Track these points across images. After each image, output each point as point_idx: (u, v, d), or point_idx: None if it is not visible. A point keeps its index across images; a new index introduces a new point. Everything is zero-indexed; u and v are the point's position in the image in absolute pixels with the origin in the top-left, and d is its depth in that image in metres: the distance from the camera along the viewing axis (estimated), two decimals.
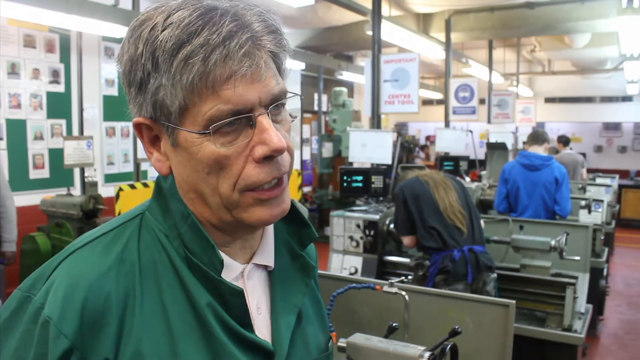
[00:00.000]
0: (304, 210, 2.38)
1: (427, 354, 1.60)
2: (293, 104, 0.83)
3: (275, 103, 0.76)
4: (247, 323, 0.80)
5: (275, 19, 0.77)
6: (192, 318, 0.76)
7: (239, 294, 0.78)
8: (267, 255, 0.87)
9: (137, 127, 0.79)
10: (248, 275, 0.84)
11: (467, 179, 6.45)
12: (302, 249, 0.92)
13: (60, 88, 6.20)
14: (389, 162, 5.02)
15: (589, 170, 11.32)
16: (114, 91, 6.82)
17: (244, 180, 0.75)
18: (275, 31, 0.76)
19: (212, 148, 0.73)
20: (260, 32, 0.74)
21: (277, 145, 0.74)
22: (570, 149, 8.76)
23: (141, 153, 5.09)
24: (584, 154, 14.66)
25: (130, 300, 0.74)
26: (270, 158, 0.75)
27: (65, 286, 0.73)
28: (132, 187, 4.56)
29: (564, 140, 8.73)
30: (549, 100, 15.28)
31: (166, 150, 0.79)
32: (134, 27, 0.75)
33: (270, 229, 0.89)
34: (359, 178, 4.61)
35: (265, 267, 0.88)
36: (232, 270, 0.82)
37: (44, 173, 6.10)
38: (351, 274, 3.90)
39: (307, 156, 11.45)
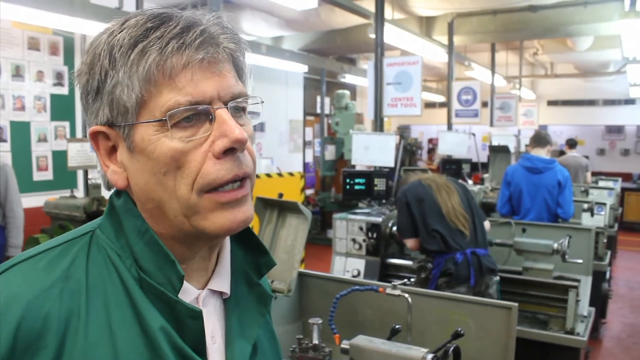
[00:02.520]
0: (307, 213, 2.40)
1: (430, 356, 1.60)
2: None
3: (234, 100, 0.74)
4: (201, 350, 0.75)
5: (231, 22, 0.77)
6: (141, 344, 0.70)
7: (198, 316, 0.73)
8: (223, 281, 0.82)
9: (94, 137, 0.76)
10: (203, 302, 0.79)
11: (470, 181, 6.45)
12: (259, 278, 0.86)
13: (64, 90, 6.22)
14: (392, 164, 5.03)
15: (592, 174, 11.32)
16: None
17: (202, 178, 0.71)
18: (231, 31, 0.76)
19: (168, 144, 0.70)
20: (216, 32, 0.73)
21: (238, 136, 0.70)
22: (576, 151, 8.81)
23: None
24: (586, 157, 14.69)
25: (73, 321, 0.68)
26: (231, 152, 0.72)
27: None
28: None
29: (571, 143, 8.77)
30: (551, 103, 15.27)
31: (123, 159, 0.75)
32: (93, 40, 0.75)
33: (226, 253, 0.83)
34: (362, 181, 4.62)
35: (220, 294, 0.82)
36: (187, 295, 0.76)
37: (48, 175, 6.12)
38: (354, 276, 3.90)
39: (309, 159, 11.46)
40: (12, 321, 0.65)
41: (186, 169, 0.71)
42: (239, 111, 0.75)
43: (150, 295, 0.72)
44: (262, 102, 0.80)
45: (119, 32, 0.71)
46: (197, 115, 0.71)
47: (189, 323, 0.73)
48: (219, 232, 0.73)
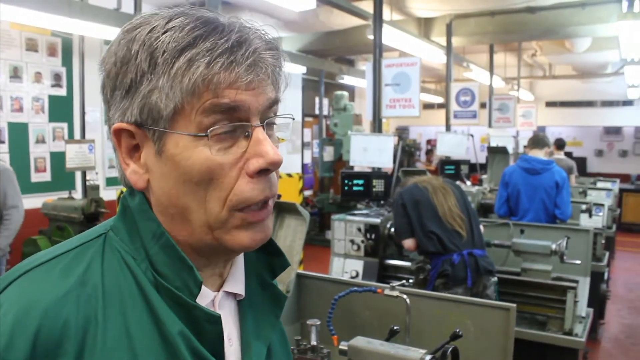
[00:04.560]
0: (305, 214, 2.40)
1: (428, 357, 1.60)
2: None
3: (271, 107, 0.74)
4: (220, 353, 0.74)
5: (274, 37, 0.76)
6: (160, 348, 0.69)
7: (216, 321, 0.73)
8: (237, 283, 0.81)
9: (117, 133, 0.73)
10: (219, 305, 0.79)
11: (468, 182, 6.46)
12: (273, 278, 0.86)
13: (62, 92, 6.22)
14: (390, 166, 5.03)
15: (590, 175, 11.32)
16: None
17: (236, 195, 0.70)
18: (275, 47, 0.75)
19: (206, 154, 0.68)
20: (262, 48, 0.72)
21: (274, 158, 0.70)
22: (565, 153, 8.74)
23: None
24: (584, 158, 14.68)
25: (91, 328, 0.66)
26: (265, 172, 0.71)
27: (16, 310, 0.64)
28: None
29: (558, 144, 8.70)
30: (549, 104, 15.29)
31: (147, 160, 0.73)
32: (127, 30, 0.72)
33: (240, 255, 0.83)
34: (360, 182, 4.63)
35: (234, 296, 0.82)
36: (203, 298, 0.75)
37: (46, 176, 6.12)
38: (352, 277, 3.90)
39: (308, 160, 11.46)
40: (30, 329, 0.63)
41: (220, 183, 0.70)
42: (271, 126, 0.75)
43: (167, 299, 0.71)
44: (293, 119, 0.81)
45: (163, 33, 0.69)
46: (236, 128, 0.70)
47: (207, 327, 0.72)
48: (237, 248, 0.74)
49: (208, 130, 0.68)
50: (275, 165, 0.71)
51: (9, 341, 0.62)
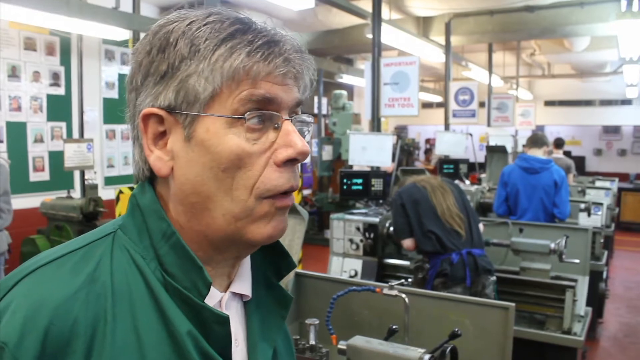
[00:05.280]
0: (304, 213, 2.39)
1: (427, 357, 1.60)
2: None
3: (298, 106, 0.76)
4: (227, 354, 0.74)
5: (301, 43, 0.78)
6: (169, 348, 0.69)
7: (225, 321, 0.73)
8: (244, 284, 0.82)
9: (145, 119, 0.73)
10: (226, 305, 0.79)
11: (467, 182, 6.46)
12: (278, 280, 0.86)
13: (60, 91, 6.21)
14: (389, 165, 5.03)
15: (589, 174, 11.33)
16: (114, 94, 6.83)
17: (263, 183, 0.71)
18: (302, 51, 0.78)
19: (236, 141, 0.70)
20: (291, 49, 0.75)
21: (303, 149, 0.72)
22: (564, 152, 8.75)
23: None
24: (583, 158, 14.69)
25: (100, 326, 0.67)
26: (291, 163, 0.73)
27: (26, 308, 0.64)
28: (133, 189, 4.57)
29: (557, 143, 8.70)
30: (548, 103, 15.30)
31: (174, 147, 0.73)
32: (162, 24, 0.74)
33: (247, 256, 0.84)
34: (359, 181, 4.63)
35: (241, 297, 0.82)
36: (211, 299, 0.75)
37: (44, 176, 6.11)
38: (351, 276, 3.90)
39: (307, 159, 11.46)
40: (40, 328, 0.63)
41: (248, 170, 0.71)
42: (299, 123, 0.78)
43: (176, 299, 0.71)
44: (312, 122, 0.82)
45: (203, 25, 0.71)
46: (265, 120, 0.72)
47: (215, 328, 0.72)
48: (259, 238, 0.74)
49: (246, 114, 0.70)
50: (304, 155, 0.73)
51: (18, 340, 0.63)
